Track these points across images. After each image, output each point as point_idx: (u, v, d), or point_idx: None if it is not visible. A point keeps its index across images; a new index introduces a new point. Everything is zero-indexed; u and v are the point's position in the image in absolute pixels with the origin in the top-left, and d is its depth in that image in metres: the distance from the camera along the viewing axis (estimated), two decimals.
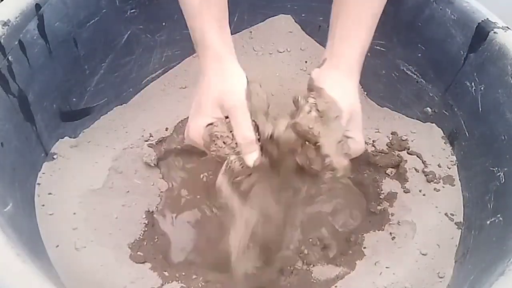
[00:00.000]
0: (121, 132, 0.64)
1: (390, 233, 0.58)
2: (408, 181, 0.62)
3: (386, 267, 0.54)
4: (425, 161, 0.63)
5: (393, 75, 0.68)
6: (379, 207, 0.61)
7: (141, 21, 0.64)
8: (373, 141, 0.67)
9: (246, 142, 0.46)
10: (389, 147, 0.66)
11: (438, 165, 0.62)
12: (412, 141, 0.65)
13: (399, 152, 0.65)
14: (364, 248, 0.57)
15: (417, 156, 0.64)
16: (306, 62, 0.74)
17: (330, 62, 0.52)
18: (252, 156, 0.46)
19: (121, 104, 0.66)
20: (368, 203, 0.63)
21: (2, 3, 0.51)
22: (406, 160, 0.64)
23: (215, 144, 0.47)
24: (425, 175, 0.62)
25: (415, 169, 0.63)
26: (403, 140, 0.66)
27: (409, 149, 0.65)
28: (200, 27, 0.48)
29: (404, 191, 0.61)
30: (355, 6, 0.51)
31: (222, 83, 0.48)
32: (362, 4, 0.51)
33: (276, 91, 0.71)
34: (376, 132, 0.68)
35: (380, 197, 0.62)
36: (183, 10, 0.50)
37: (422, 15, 0.62)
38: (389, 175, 0.63)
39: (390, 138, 0.66)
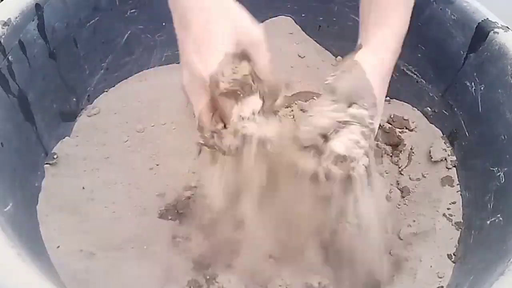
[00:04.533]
0: (121, 131, 0.64)
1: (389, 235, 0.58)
2: (407, 181, 0.62)
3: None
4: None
5: (393, 75, 0.68)
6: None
7: (141, 21, 0.64)
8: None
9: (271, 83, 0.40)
10: (390, 124, 0.66)
11: (438, 165, 0.62)
12: (410, 136, 0.65)
13: (400, 134, 0.65)
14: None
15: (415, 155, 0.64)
16: (306, 62, 0.74)
17: (366, 47, 0.47)
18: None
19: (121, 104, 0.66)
20: None
21: (2, 3, 0.51)
22: (405, 144, 0.64)
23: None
24: (424, 176, 0.62)
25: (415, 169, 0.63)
26: (405, 119, 0.66)
27: (411, 130, 0.65)
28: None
29: (401, 195, 0.61)
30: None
31: (233, 16, 0.39)
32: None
33: None
34: None
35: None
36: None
37: (422, 15, 0.62)
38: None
39: (392, 116, 0.67)
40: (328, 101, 0.44)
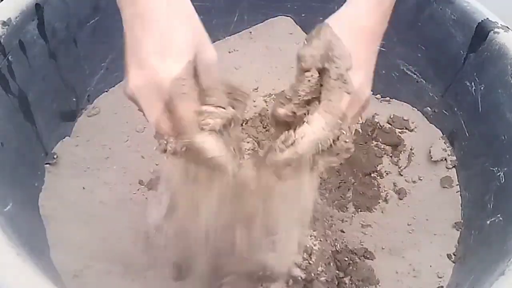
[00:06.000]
0: (121, 131, 0.64)
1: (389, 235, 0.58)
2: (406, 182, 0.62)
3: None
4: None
5: (393, 75, 0.68)
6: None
7: None
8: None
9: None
10: (390, 124, 0.66)
11: (438, 165, 0.62)
12: (410, 136, 0.66)
13: (400, 134, 0.66)
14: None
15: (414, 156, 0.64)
16: None
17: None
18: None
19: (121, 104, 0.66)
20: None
21: (2, 3, 0.51)
22: (405, 144, 0.64)
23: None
24: (422, 177, 0.62)
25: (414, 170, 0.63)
26: (405, 119, 0.66)
27: (411, 130, 0.66)
28: None
29: (399, 197, 0.61)
30: None
31: (195, 29, 0.37)
32: None
33: (276, 92, 0.71)
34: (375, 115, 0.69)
35: (380, 197, 0.62)
36: None
37: (422, 15, 0.62)
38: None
39: (391, 116, 0.67)
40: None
